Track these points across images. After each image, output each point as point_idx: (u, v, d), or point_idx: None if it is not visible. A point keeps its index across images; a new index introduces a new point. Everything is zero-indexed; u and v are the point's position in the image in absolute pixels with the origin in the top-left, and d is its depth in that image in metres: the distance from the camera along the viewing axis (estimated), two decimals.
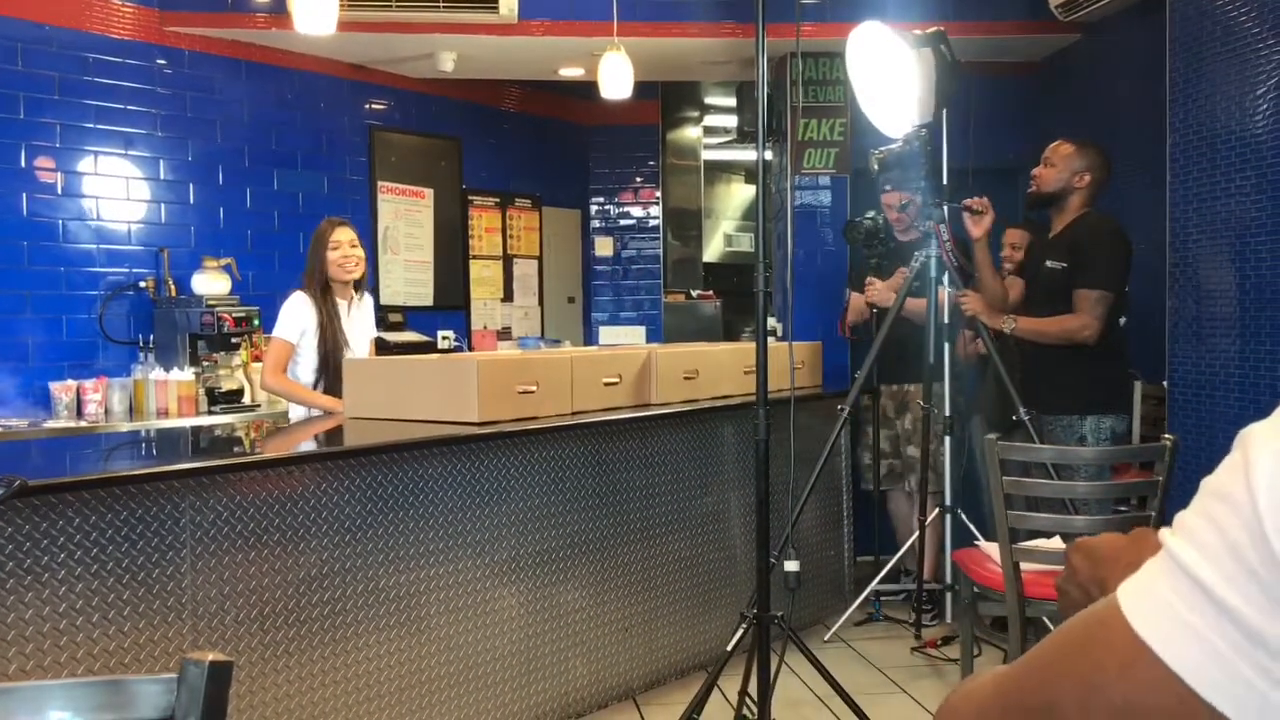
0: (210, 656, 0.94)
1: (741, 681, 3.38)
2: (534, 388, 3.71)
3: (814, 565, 4.72)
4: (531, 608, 3.68)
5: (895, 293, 4.58)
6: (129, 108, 5.21)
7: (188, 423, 4.85)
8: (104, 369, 5.08)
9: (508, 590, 3.60)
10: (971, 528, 4.45)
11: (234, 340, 5.25)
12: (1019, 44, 5.81)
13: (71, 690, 0.97)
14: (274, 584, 2.99)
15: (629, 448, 4.04)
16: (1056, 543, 3.21)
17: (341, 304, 4.40)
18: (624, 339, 7.29)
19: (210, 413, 5.06)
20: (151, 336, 5.23)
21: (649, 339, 7.27)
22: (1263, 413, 0.56)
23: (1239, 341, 4.12)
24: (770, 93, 5.05)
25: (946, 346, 4.43)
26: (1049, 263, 4.26)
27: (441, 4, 5.12)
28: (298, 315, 4.32)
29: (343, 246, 4.34)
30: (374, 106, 6.34)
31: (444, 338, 6.48)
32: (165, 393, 4.99)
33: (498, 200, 7.09)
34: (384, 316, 6.17)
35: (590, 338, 7.59)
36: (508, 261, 7.17)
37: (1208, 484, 0.55)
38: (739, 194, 8.53)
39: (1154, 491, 3.09)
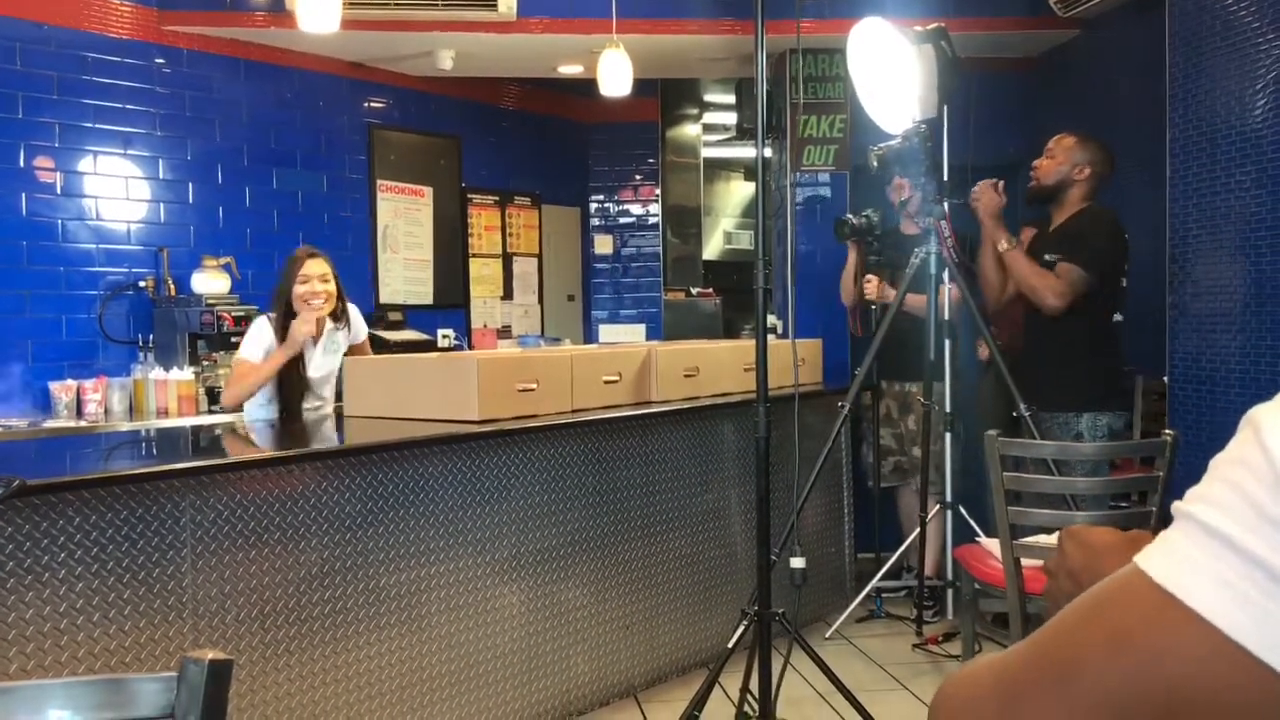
0: (210, 655, 0.93)
1: (743, 678, 3.37)
2: (534, 386, 3.70)
3: (815, 562, 4.71)
4: (532, 605, 3.67)
5: (895, 290, 4.57)
6: (128, 107, 5.21)
7: (188, 422, 4.84)
8: (104, 369, 5.07)
9: (509, 588, 3.60)
10: (973, 524, 4.44)
11: (233, 339, 5.23)
12: (1019, 40, 5.80)
13: (72, 689, 0.96)
14: (274, 583, 2.99)
15: (629, 445, 4.04)
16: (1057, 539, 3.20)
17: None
18: (624, 337, 7.29)
19: (210, 412, 5.06)
20: (151, 336, 5.23)
21: (649, 337, 7.26)
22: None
23: (1240, 336, 4.11)
24: (770, 89, 5.06)
25: (947, 343, 4.43)
26: (1046, 256, 4.26)
27: (440, 2, 5.11)
28: (261, 339, 4.09)
29: (312, 280, 4.08)
30: (373, 105, 6.34)
31: (444, 336, 6.48)
32: (165, 392, 4.99)
33: (497, 198, 7.08)
34: (384, 315, 6.17)
35: (590, 336, 7.59)
36: (507, 260, 7.16)
37: (1218, 459, 0.55)
38: (739, 191, 8.52)
39: (1155, 487, 3.08)
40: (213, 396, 5.14)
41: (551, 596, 3.74)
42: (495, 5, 5.17)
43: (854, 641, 4.62)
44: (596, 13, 5.31)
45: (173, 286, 5.28)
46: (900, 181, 4.88)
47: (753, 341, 3.27)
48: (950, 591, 4.55)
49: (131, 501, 2.71)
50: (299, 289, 4.08)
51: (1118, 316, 4.32)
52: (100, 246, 5.15)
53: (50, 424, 4.70)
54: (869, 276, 4.93)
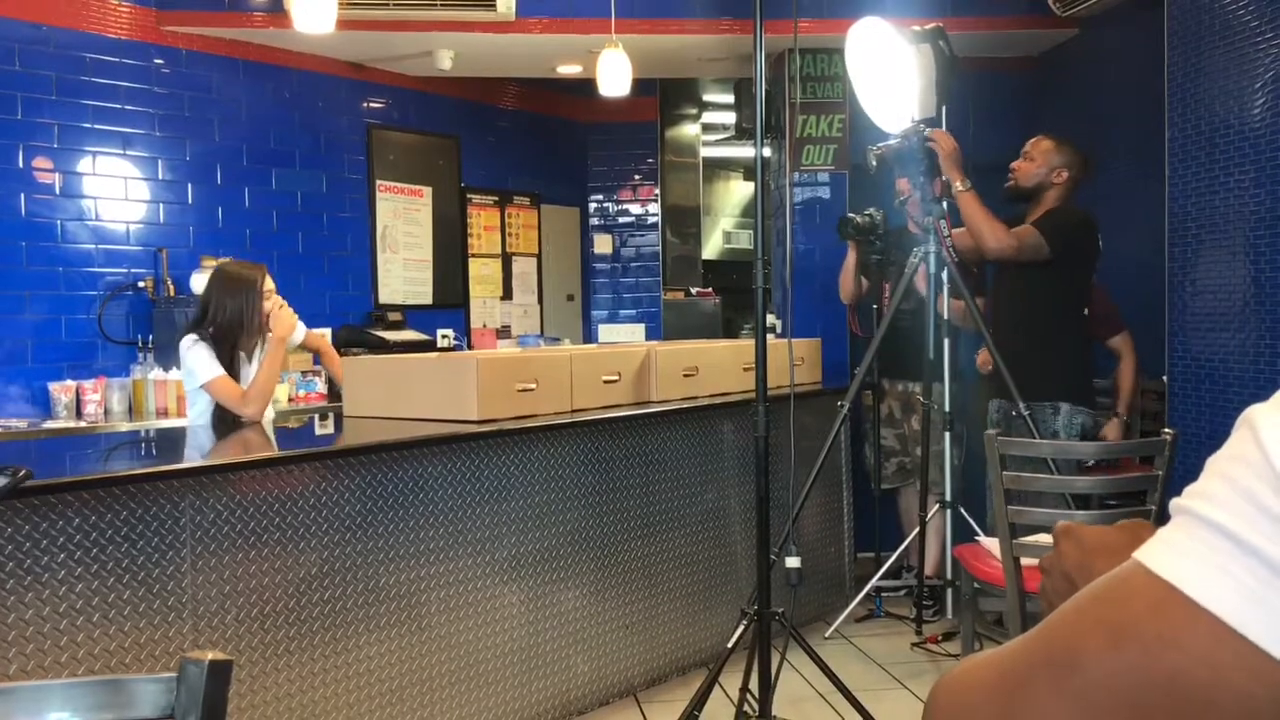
0: (210, 655, 0.93)
1: (743, 678, 3.37)
2: (533, 386, 3.71)
3: (815, 562, 4.72)
4: (532, 605, 3.68)
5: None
6: (127, 107, 5.21)
7: (187, 422, 4.83)
8: (103, 369, 5.08)
9: (508, 588, 3.60)
10: (972, 523, 4.45)
11: None
12: (1017, 39, 5.80)
13: (71, 690, 0.97)
14: (274, 583, 2.99)
15: (629, 445, 4.04)
16: None
17: (243, 355, 3.97)
18: (623, 337, 7.29)
19: None
20: (150, 336, 5.23)
21: (648, 336, 7.27)
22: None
23: (1239, 336, 4.12)
24: (768, 89, 5.06)
25: (946, 343, 4.43)
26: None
27: (439, 2, 5.11)
28: (210, 357, 3.83)
29: (273, 295, 3.98)
30: (372, 105, 6.34)
31: (443, 336, 6.48)
32: (164, 392, 4.99)
33: (496, 198, 7.08)
34: (383, 315, 6.18)
35: (589, 335, 7.59)
36: (507, 259, 7.17)
37: (1216, 458, 0.56)
38: (738, 191, 8.53)
39: (1154, 486, 3.09)
40: None
41: (551, 596, 3.74)
42: (494, 5, 5.17)
43: (854, 641, 4.62)
44: (595, 12, 5.32)
45: (172, 287, 5.28)
46: (901, 182, 4.88)
47: (752, 341, 3.27)
48: (950, 591, 4.55)
49: (131, 502, 2.71)
50: (267, 305, 3.92)
51: (1085, 311, 4.37)
52: (99, 247, 5.15)
53: (50, 424, 4.70)
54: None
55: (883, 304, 4.99)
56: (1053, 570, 0.79)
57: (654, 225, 7.67)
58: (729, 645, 3.36)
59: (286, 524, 3.03)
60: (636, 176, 7.67)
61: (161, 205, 5.37)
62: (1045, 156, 4.32)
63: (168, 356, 5.16)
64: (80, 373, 4.98)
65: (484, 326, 6.96)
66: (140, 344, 5.20)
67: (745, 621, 3.32)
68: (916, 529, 4.69)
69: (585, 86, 6.09)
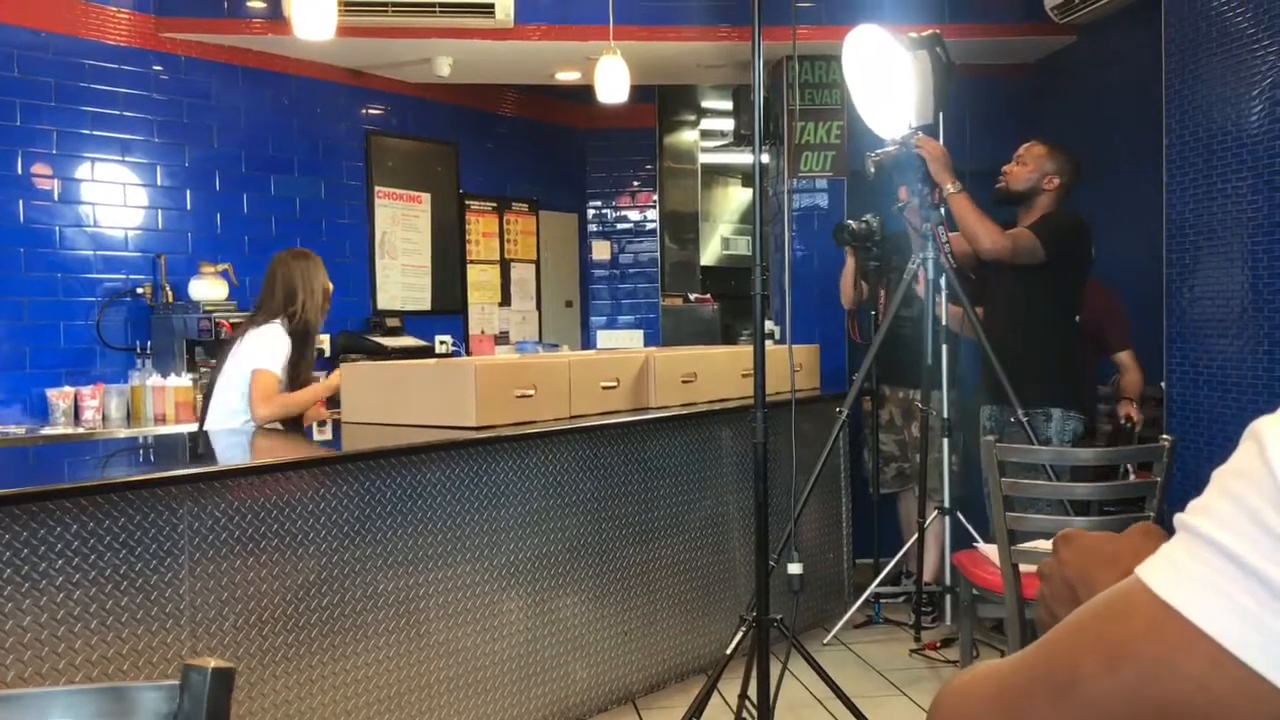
0: (213, 663, 0.93)
1: (741, 685, 3.37)
2: (532, 392, 3.71)
3: (813, 568, 4.71)
4: (531, 612, 3.67)
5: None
6: (125, 114, 5.21)
7: (185, 429, 4.84)
8: (101, 375, 5.07)
9: (507, 594, 3.60)
10: (971, 530, 4.45)
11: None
12: (1015, 46, 5.81)
13: (74, 697, 0.96)
14: (272, 590, 2.99)
15: (627, 451, 4.04)
16: None
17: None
18: (622, 343, 7.30)
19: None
20: (149, 343, 5.23)
21: (647, 343, 7.27)
22: (1260, 413, 0.56)
23: (1237, 342, 4.12)
24: (766, 96, 5.06)
25: (945, 350, 4.43)
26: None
27: (438, 9, 5.12)
28: (280, 350, 4.03)
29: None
30: (371, 111, 6.34)
31: (441, 342, 6.48)
32: (163, 399, 4.99)
33: (495, 205, 7.09)
34: (381, 321, 6.18)
35: (588, 341, 7.59)
36: (505, 266, 7.17)
37: (1221, 471, 0.55)
38: (736, 197, 8.53)
39: (1153, 492, 3.09)
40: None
41: (550, 603, 3.74)
42: (492, 12, 5.18)
43: (852, 647, 4.62)
44: (593, 19, 5.32)
45: (170, 293, 5.28)
46: (902, 189, 4.88)
47: (750, 347, 3.27)
48: (949, 597, 4.55)
49: (129, 509, 2.71)
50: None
51: (1077, 318, 4.39)
52: (98, 253, 5.15)
53: (48, 431, 4.70)
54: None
55: (880, 310, 4.99)
56: (1053, 577, 0.79)
57: (652, 231, 7.68)
58: (728, 652, 3.35)
59: (285, 530, 3.03)
60: (635, 183, 7.68)
61: (160, 211, 5.37)
62: (1038, 162, 4.34)
63: (166, 363, 5.16)
64: (78, 379, 4.98)
65: (482, 333, 6.96)
66: (139, 350, 5.20)
67: (744, 628, 3.32)
68: (915, 535, 4.69)
69: (584, 93, 6.10)
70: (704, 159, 7.99)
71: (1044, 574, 0.80)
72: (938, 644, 4.51)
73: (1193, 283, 4.38)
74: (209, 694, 0.93)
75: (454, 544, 3.44)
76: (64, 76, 4.99)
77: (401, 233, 6.48)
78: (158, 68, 5.34)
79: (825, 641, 4.63)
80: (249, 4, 5.35)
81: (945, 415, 4.44)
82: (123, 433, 4.79)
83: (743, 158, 8.10)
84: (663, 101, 7.57)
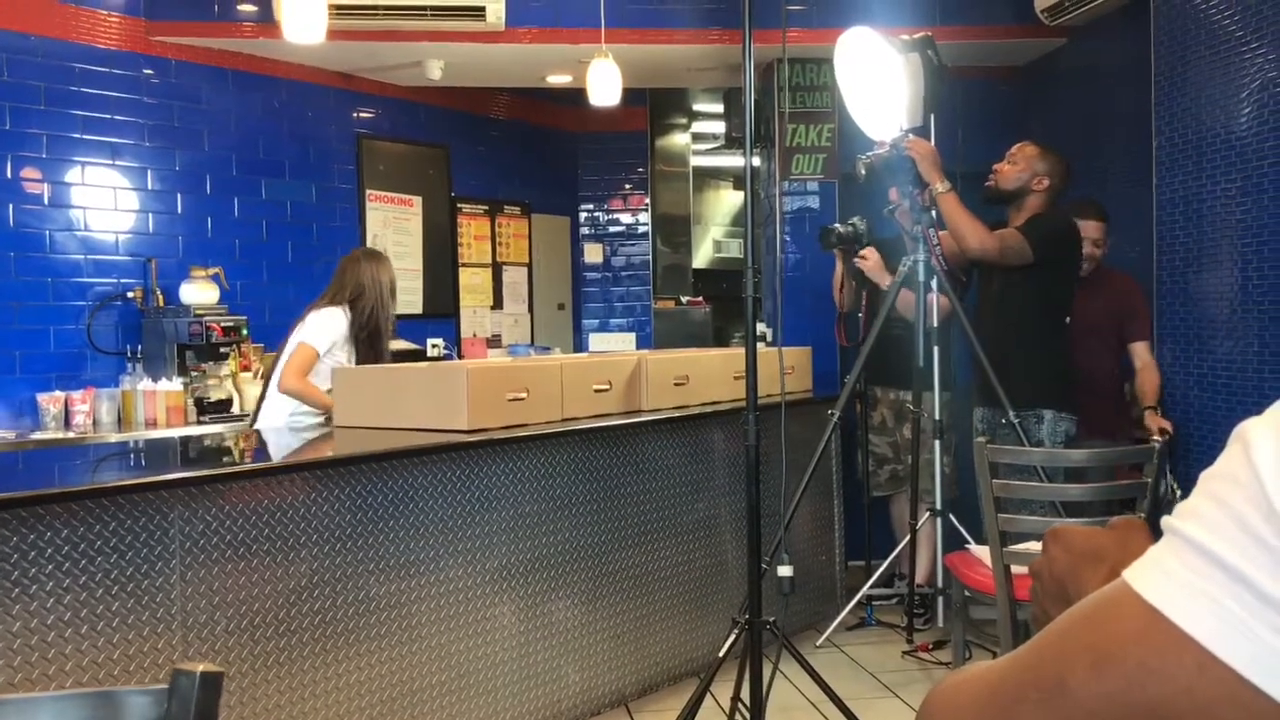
0: (201, 667, 0.93)
1: (734, 687, 3.37)
2: (524, 395, 3.70)
3: (806, 570, 4.72)
4: (523, 615, 3.67)
5: (890, 274, 4.58)
6: (116, 118, 5.20)
7: (176, 433, 4.83)
8: (92, 380, 5.06)
9: (499, 598, 3.60)
10: (963, 531, 4.45)
11: (222, 350, 5.24)
12: (1006, 49, 5.83)
13: (62, 702, 0.96)
14: (263, 594, 2.98)
15: (620, 454, 4.04)
16: None
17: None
18: (614, 346, 7.30)
19: (199, 423, 5.05)
20: (139, 347, 5.22)
21: (639, 345, 7.27)
22: (1250, 413, 0.56)
23: (1227, 343, 4.13)
24: (758, 99, 5.08)
25: (936, 351, 4.44)
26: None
27: (429, 12, 5.12)
28: (331, 331, 4.34)
29: None
30: (362, 115, 6.34)
31: (433, 346, 6.47)
32: (153, 403, 4.98)
33: (487, 208, 7.09)
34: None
35: (580, 344, 7.59)
36: (497, 269, 7.17)
37: (1208, 474, 0.55)
38: (728, 200, 8.54)
39: (1144, 494, 3.09)
40: (201, 407, 5.12)
41: (542, 606, 3.73)
42: (483, 15, 5.18)
43: (845, 650, 4.62)
44: (585, 23, 5.32)
45: (161, 297, 5.27)
46: (893, 191, 4.88)
47: (742, 350, 3.27)
48: (940, 599, 4.55)
49: (120, 513, 2.70)
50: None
51: (1067, 320, 4.40)
52: (88, 257, 5.13)
53: (38, 435, 4.69)
54: (866, 252, 4.88)
55: (866, 313, 5.00)
56: (1043, 574, 0.79)
57: (644, 234, 7.69)
58: (720, 654, 3.35)
59: (276, 535, 3.02)
60: (627, 186, 7.68)
61: (151, 215, 5.36)
62: (1029, 162, 4.35)
63: (156, 367, 5.15)
64: (69, 383, 4.96)
65: (474, 336, 6.96)
66: (129, 354, 5.18)
67: (737, 630, 3.32)
68: (907, 537, 4.70)
69: (575, 96, 6.10)
70: (696, 162, 8.01)
71: (1035, 572, 0.81)
72: (930, 646, 4.52)
73: (1183, 284, 4.39)
74: (197, 698, 0.92)
75: (446, 548, 3.44)
76: (54, 80, 4.98)
77: (393, 236, 6.47)
78: (148, 71, 5.33)
79: (818, 644, 4.63)
80: (239, 7, 5.35)
81: (937, 417, 4.44)
82: (113, 437, 4.77)
83: (734, 160, 8.12)
84: (654, 104, 7.58)
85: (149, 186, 5.35)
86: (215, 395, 5.20)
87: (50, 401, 4.81)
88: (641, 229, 7.69)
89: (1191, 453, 4.26)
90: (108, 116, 5.17)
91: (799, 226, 5.91)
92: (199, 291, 5.25)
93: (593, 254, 7.69)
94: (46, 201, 4.99)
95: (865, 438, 5.20)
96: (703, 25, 5.62)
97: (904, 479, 5.03)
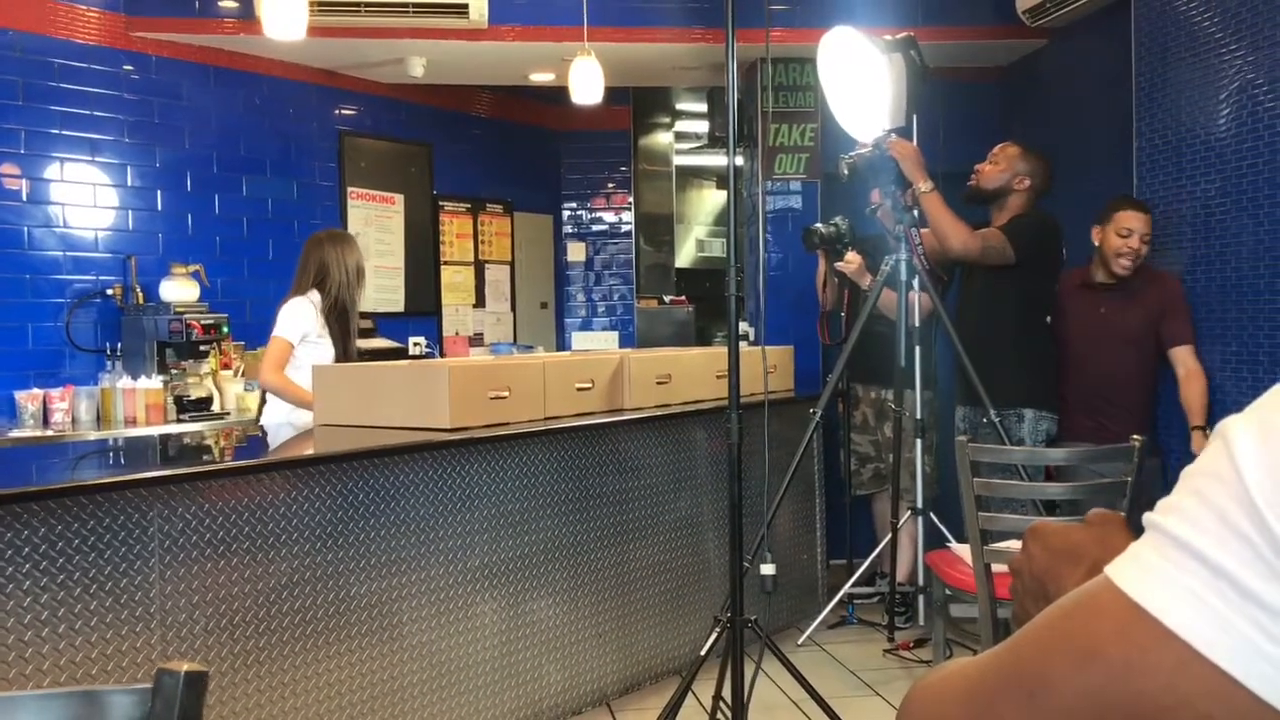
0: (185, 666, 0.93)
1: (716, 685, 3.38)
2: (506, 393, 3.70)
3: (787, 569, 4.73)
4: (505, 614, 3.66)
5: (871, 274, 4.60)
6: (95, 114, 5.16)
7: (156, 431, 4.80)
8: (70, 377, 5.02)
9: (480, 597, 3.59)
10: (944, 530, 4.47)
11: (202, 348, 5.21)
12: (988, 49, 5.85)
13: (44, 701, 0.95)
14: (243, 592, 2.97)
15: (602, 453, 4.04)
16: None
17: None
18: (597, 344, 7.29)
19: (179, 421, 5.02)
20: (119, 344, 5.18)
21: (622, 344, 7.27)
22: (1229, 413, 0.56)
23: (1204, 344, 4.16)
24: (740, 98, 5.07)
25: (918, 350, 4.45)
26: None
27: (410, 9, 5.10)
28: (300, 321, 4.34)
29: None
30: (343, 112, 6.31)
31: (415, 344, 6.45)
32: (133, 401, 4.94)
33: (469, 206, 7.07)
34: (357, 325, 6.14)
35: (563, 343, 7.59)
36: (479, 267, 7.15)
37: (1190, 470, 0.56)
38: (711, 199, 8.55)
39: (1124, 492, 3.11)
40: (181, 405, 5.09)
41: (524, 605, 3.73)
42: (466, 12, 5.16)
43: (826, 648, 4.63)
44: (568, 21, 5.32)
45: (141, 294, 5.23)
46: (875, 192, 4.90)
47: (725, 349, 3.27)
48: (922, 597, 4.57)
49: (99, 511, 2.68)
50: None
51: (1048, 319, 4.43)
52: (67, 254, 5.09)
53: (16, 434, 4.65)
54: (850, 256, 4.90)
55: (849, 312, 5.01)
56: (1023, 572, 0.79)
57: (627, 233, 7.68)
58: (702, 653, 3.36)
59: (256, 533, 3.01)
60: (610, 184, 7.68)
61: (130, 212, 5.32)
62: (1010, 162, 4.39)
63: (136, 364, 5.12)
64: (47, 381, 4.92)
65: (456, 334, 6.94)
66: (109, 352, 5.15)
67: (718, 629, 3.32)
68: (889, 536, 4.71)
69: (558, 94, 6.09)
70: (679, 161, 8.01)
71: (1015, 570, 0.81)
72: (911, 644, 4.53)
73: None
74: (181, 698, 0.92)
75: (427, 546, 3.43)
76: (33, 76, 4.94)
77: (375, 234, 6.45)
78: (128, 67, 5.29)
79: (799, 642, 4.64)
80: (220, 3, 5.32)
81: (918, 415, 4.46)
82: (92, 435, 4.74)
83: (717, 160, 8.12)
84: (637, 103, 7.57)
85: (129, 183, 5.31)
86: (195, 393, 5.17)
87: (28, 399, 4.77)
88: (624, 228, 7.69)
89: (1171, 453, 4.29)
90: (87, 112, 5.13)
91: (781, 226, 5.91)
92: (179, 289, 5.22)
93: (575, 252, 7.68)
94: (25, 198, 4.95)
95: (847, 436, 5.22)
96: (686, 24, 5.62)
97: (886, 478, 5.05)
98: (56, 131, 5.03)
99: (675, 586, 4.30)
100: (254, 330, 5.27)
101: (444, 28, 5.29)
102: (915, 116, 4.32)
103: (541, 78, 6.31)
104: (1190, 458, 0.59)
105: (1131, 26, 4.57)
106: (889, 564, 4.75)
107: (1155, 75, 4.43)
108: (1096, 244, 4.29)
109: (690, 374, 4.47)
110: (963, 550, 3.56)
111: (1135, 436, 3.18)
